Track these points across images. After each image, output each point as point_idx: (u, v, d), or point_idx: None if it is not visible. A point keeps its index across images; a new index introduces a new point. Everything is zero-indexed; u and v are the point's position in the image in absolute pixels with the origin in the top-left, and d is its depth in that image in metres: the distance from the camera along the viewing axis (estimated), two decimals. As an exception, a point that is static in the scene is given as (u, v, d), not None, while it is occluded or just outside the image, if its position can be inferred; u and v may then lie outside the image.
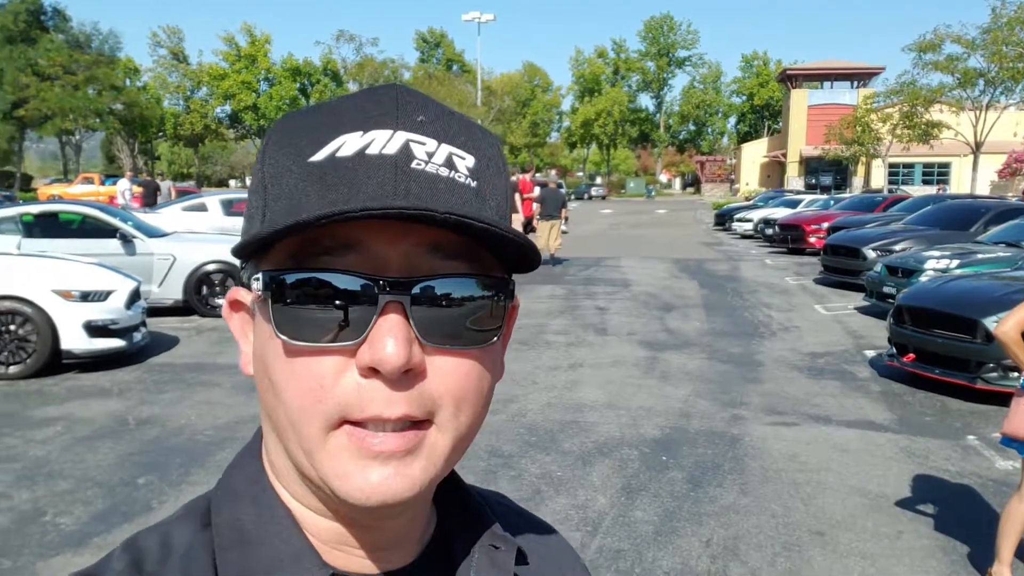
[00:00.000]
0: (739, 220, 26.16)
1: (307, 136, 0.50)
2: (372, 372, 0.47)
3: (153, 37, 64.73)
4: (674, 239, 24.09)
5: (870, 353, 8.09)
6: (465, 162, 0.51)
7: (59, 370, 6.88)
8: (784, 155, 53.76)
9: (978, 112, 32.06)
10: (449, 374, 0.50)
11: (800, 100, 52.71)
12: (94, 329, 6.86)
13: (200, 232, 12.21)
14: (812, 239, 18.04)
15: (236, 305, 0.57)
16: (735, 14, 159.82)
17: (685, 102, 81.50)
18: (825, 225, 17.64)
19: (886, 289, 9.65)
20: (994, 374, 6.07)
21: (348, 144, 0.49)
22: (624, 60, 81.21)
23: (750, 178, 57.48)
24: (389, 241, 0.48)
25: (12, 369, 6.70)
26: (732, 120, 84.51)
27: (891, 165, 40.51)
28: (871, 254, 12.07)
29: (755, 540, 3.89)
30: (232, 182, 67.70)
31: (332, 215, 0.44)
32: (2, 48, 44.17)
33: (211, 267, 9.59)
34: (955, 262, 9.36)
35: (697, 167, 73.59)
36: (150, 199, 20.26)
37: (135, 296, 7.37)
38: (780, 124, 62.48)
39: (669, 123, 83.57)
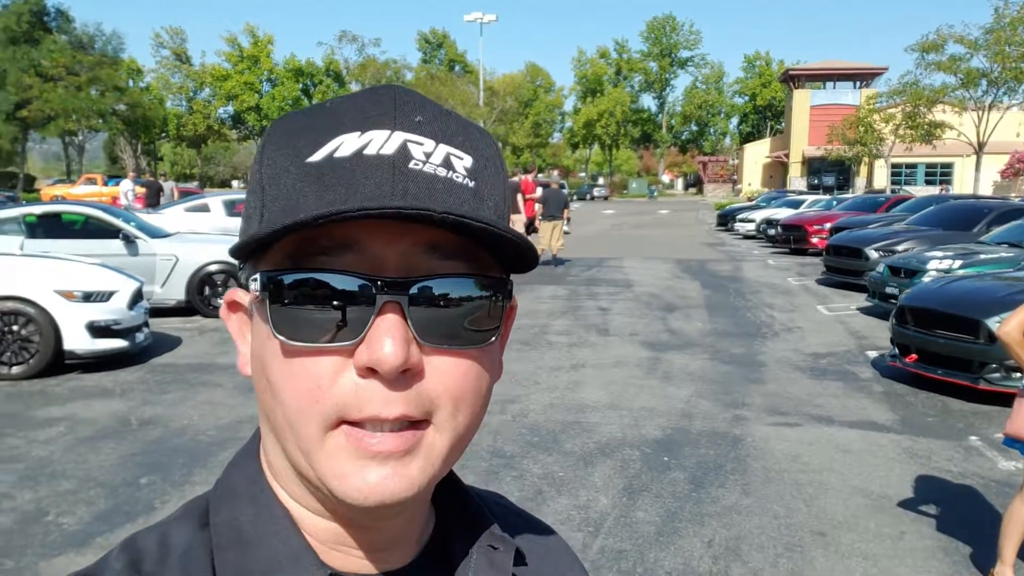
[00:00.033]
0: (741, 220, 26.13)
1: (305, 136, 0.50)
2: (370, 372, 0.47)
3: (156, 38, 65.06)
4: (676, 239, 24.07)
5: (872, 354, 8.08)
6: (463, 162, 0.51)
7: (62, 370, 6.89)
8: (787, 155, 53.69)
9: (981, 112, 31.96)
10: (447, 374, 0.50)
11: (803, 100, 52.64)
12: (97, 329, 6.87)
13: (203, 233, 12.23)
14: (815, 239, 18.01)
15: (234, 306, 0.57)
16: (737, 14, 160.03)
17: (687, 102, 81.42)
18: (827, 225, 17.61)
19: (888, 289, 9.65)
20: (997, 375, 6.06)
21: (346, 144, 0.49)
22: (626, 60, 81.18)
23: (752, 178, 57.38)
24: (387, 241, 0.48)
25: (15, 369, 6.71)
26: (734, 120, 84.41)
27: (894, 165, 40.42)
28: (874, 255, 12.05)
29: (757, 541, 3.89)
30: (235, 183, 67.72)
31: (329, 215, 0.44)
32: (5, 49, 44.25)
33: (213, 268, 9.61)
34: (958, 262, 9.35)
35: (699, 167, 73.46)
36: (153, 200, 20.26)
37: (138, 296, 7.38)
38: (783, 124, 62.39)
39: (671, 123, 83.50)
